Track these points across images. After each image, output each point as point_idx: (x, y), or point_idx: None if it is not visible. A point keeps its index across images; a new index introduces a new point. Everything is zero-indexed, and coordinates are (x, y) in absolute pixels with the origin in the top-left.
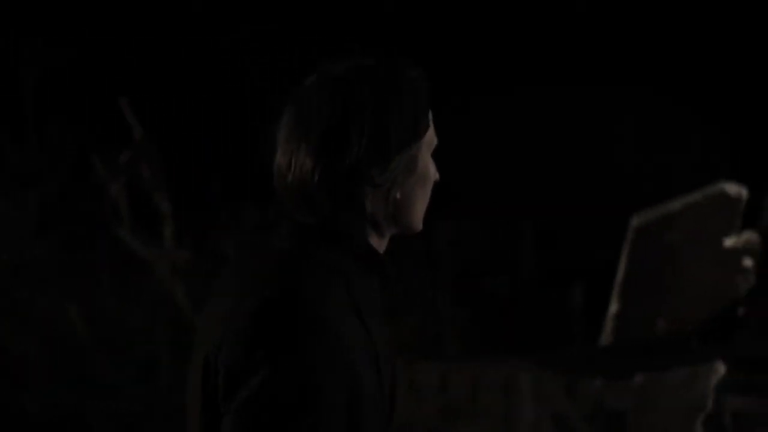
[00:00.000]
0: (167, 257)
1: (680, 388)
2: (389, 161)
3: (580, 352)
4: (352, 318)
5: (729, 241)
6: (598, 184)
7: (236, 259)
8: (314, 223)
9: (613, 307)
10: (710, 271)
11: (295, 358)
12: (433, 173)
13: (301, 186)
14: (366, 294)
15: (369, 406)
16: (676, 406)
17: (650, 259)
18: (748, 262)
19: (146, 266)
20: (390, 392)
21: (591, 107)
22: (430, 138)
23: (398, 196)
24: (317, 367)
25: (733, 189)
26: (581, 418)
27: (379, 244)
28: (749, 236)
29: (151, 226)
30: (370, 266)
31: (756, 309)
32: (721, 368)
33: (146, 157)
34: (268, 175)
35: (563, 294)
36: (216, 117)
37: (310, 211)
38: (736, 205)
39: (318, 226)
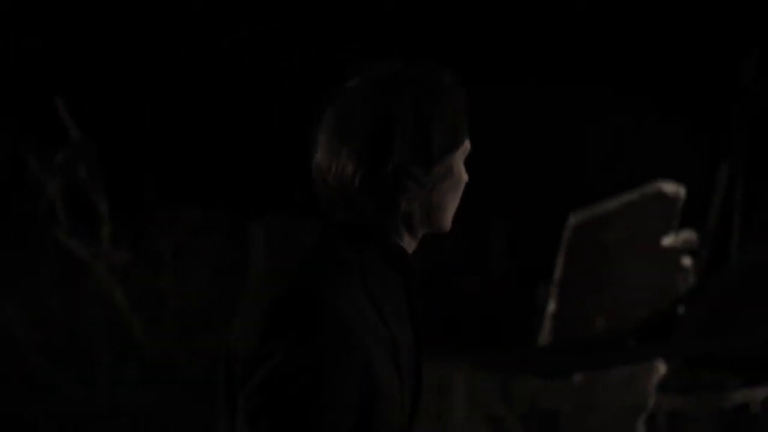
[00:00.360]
0: (105, 258)
1: (620, 387)
2: (431, 168)
3: (517, 352)
4: (370, 314)
5: (667, 240)
6: (568, 185)
7: (270, 264)
8: (348, 222)
9: (551, 307)
10: (649, 269)
11: (305, 348)
12: (465, 176)
13: (341, 187)
14: (390, 292)
15: (386, 400)
16: (616, 405)
17: (588, 258)
18: (686, 261)
19: (85, 267)
20: (414, 390)
21: (563, 108)
22: (467, 144)
23: (435, 199)
24: (326, 357)
25: (671, 188)
26: (516, 418)
27: (410, 244)
28: (688, 235)
29: (89, 226)
30: (396, 266)
31: (696, 308)
32: (661, 367)
33: (83, 157)
34: (207, 176)
35: (532, 294)
36: (153, 117)
37: (348, 212)
38: (674, 204)
39: (351, 225)
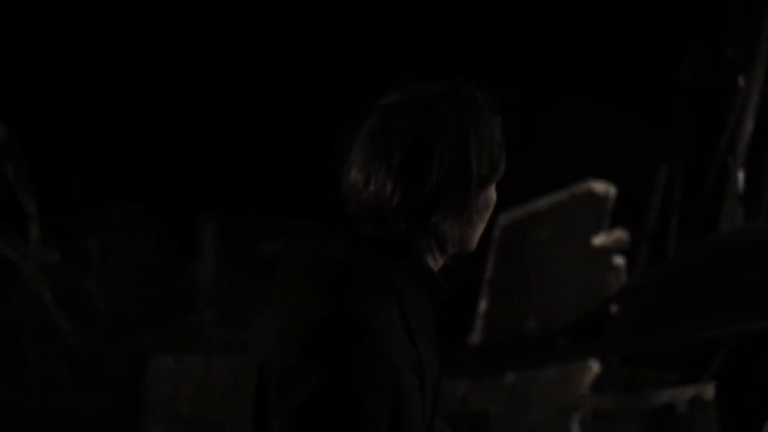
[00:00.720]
0: (34, 257)
1: (553, 387)
2: (469, 190)
3: (446, 352)
4: (402, 335)
5: (598, 240)
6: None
7: (292, 265)
8: (380, 238)
9: (482, 306)
10: (580, 269)
11: (343, 369)
12: (495, 198)
13: (377, 204)
14: (419, 313)
15: (411, 420)
16: (549, 405)
17: (518, 257)
18: (618, 260)
19: (14, 267)
20: (431, 411)
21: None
22: (502, 168)
23: (469, 221)
24: (364, 379)
25: (601, 187)
26: (444, 418)
27: (437, 263)
28: (619, 234)
29: (17, 227)
30: (427, 286)
31: (629, 307)
32: (594, 367)
33: (10, 157)
34: (135, 175)
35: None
36: (79, 116)
37: (381, 228)
38: (604, 204)
39: (384, 242)
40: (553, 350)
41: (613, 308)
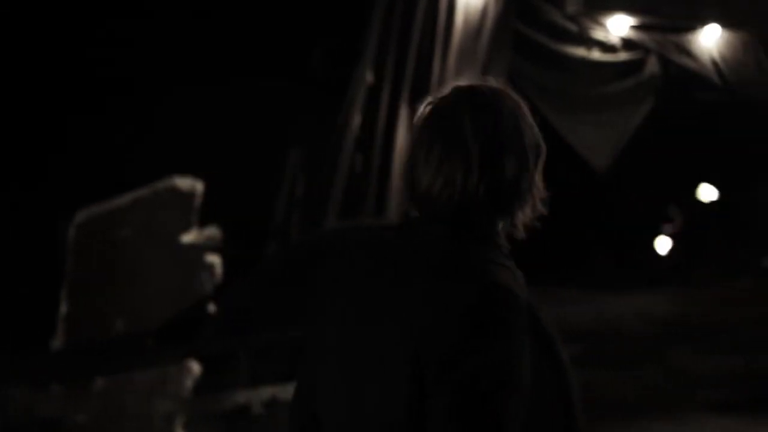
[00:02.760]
0: None
1: (150, 391)
2: (532, 177)
3: (18, 359)
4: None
5: (187, 237)
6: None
7: (367, 260)
8: (465, 227)
9: (63, 309)
10: (169, 267)
11: (506, 344)
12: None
13: (464, 198)
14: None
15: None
16: (148, 411)
17: (100, 256)
18: (211, 258)
19: None
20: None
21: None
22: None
23: (533, 206)
24: (520, 351)
25: (186, 183)
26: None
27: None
28: (211, 232)
29: None
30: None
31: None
32: (195, 367)
33: None
34: None
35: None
36: None
37: (460, 220)
38: (190, 200)
39: (473, 230)
40: (145, 353)
41: (211, 307)
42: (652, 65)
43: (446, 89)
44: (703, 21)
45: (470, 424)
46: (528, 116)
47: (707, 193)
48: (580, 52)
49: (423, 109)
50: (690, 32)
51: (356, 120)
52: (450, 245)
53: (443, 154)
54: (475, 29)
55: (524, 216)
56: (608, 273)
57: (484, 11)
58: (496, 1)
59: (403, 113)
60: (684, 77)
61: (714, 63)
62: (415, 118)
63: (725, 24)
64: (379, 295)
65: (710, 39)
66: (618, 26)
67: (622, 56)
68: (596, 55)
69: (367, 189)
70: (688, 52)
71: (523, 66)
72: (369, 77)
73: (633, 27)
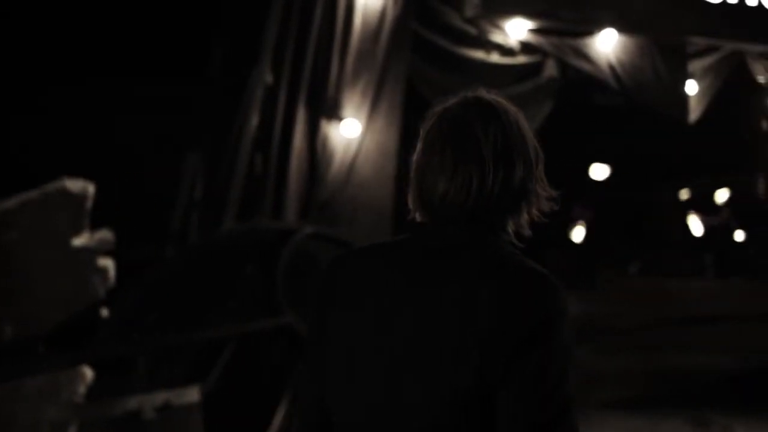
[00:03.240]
0: None
1: (40, 398)
2: (536, 178)
3: None
4: None
5: (78, 240)
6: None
7: (401, 263)
8: (483, 228)
9: None
10: (59, 271)
11: (564, 329)
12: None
13: (480, 202)
14: None
15: None
16: (38, 419)
17: None
18: (104, 261)
19: None
20: None
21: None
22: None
23: (537, 206)
24: (570, 332)
25: (77, 185)
26: None
27: None
28: (103, 235)
29: None
30: None
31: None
32: (88, 373)
33: None
34: None
35: None
36: None
37: (481, 222)
38: (81, 203)
39: (493, 231)
40: (35, 359)
41: (104, 312)
42: (551, 68)
43: (452, 99)
44: (600, 25)
45: (544, 410)
46: (526, 123)
47: (598, 172)
48: (478, 54)
49: (429, 117)
50: (587, 36)
51: (254, 120)
52: (480, 244)
53: (458, 159)
54: (374, 31)
55: (529, 215)
56: None
57: (382, 13)
58: (394, 3)
59: (301, 114)
60: (582, 80)
61: (611, 67)
62: (422, 126)
63: (622, 28)
64: (413, 300)
65: (607, 43)
66: (516, 30)
67: (521, 59)
68: (495, 58)
69: (265, 189)
70: (585, 56)
71: (422, 68)
72: (268, 78)
73: (531, 30)
